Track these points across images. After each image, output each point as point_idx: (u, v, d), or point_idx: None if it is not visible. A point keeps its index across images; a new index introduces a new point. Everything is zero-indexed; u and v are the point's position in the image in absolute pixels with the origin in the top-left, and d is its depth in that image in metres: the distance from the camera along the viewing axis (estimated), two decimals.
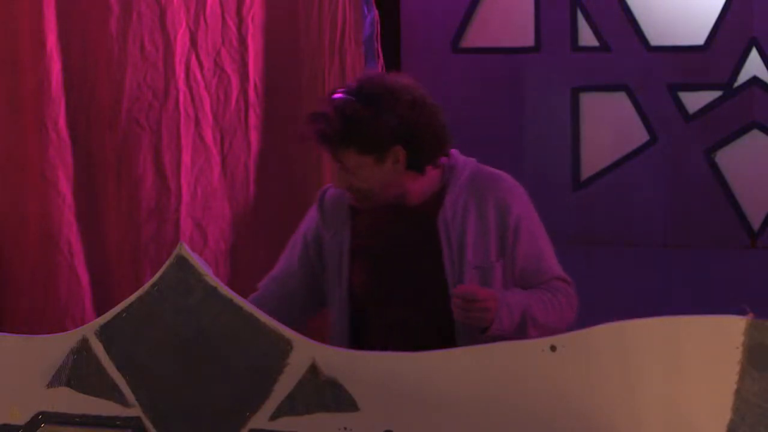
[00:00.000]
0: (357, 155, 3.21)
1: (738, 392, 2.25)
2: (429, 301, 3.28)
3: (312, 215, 3.46)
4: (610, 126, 4.85)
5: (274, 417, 2.51)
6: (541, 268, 3.31)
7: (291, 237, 3.53)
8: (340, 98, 3.22)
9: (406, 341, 3.11)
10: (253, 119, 4.35)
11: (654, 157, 4.79)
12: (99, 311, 4.12)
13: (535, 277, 3.29)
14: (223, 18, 4.32)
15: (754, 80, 4.68)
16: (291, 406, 2.51)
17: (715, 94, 4.72)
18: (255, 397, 2.52)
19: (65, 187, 4.32)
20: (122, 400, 2.59)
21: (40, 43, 4.27)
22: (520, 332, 3.18)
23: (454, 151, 3.35)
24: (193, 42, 4.32)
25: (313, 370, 2.49)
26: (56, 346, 2.64)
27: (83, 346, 2.61)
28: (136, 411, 2.59)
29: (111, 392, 2.60)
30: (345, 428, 2.49)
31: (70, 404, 2.62)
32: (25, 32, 4.29)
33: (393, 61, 4.63)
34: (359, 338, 3.30)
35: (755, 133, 4.70)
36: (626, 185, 4.81)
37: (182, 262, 2.56)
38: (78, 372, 2.61)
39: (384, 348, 2.71)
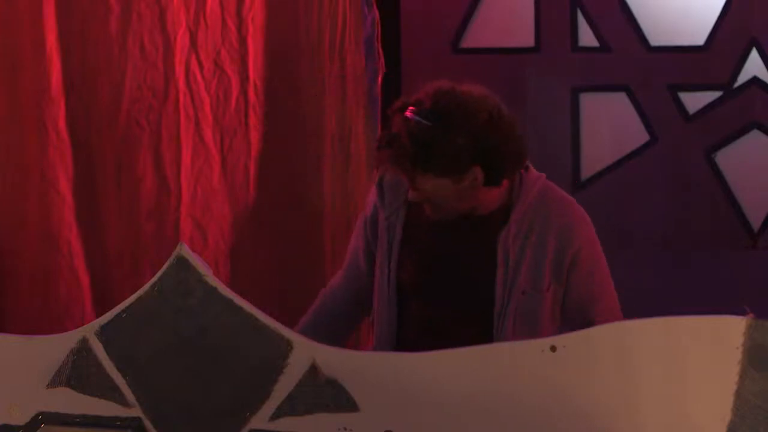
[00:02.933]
0: (434, 178, 3.10)
1: (738, 392, 2.25)
2: (472, 312, 3.21)
3: (370, 199, 3.36)
4: (610, 126, 4.85)
5: (274, 417, 2.51)
6: (595, 301, 3.22)
7: (354, 228, 3.48)
8: (413, 120, 3.06)
9: (441, 342, 3.10)
10: (253, 119, 4.35)
11: (654, 157, 4.78)
12: (99, 311, 4.13)
13: (588, 311, 3.20)
14: (223, 18, 4.32)
15: (754, 80, 4.68)
16: (291, 406, 2.51)
17: (715, 94, 4.72)
18: (255, 397, 2.52)
19: (65, 187, 4.32)
20: (122, 401, 2.59)
21: (40, 43, 4.28)
22: None
23: (528, 168, 3.25)
24: (193, 42, 4.32)
25: (313, 370, 2.49)
26: (56, 346, 2.64)
27: (83, 346, 2.61)
28: (136, 411, 2.59)
29: (111, 392, 2.60)
30: (345, 428, 2.49)
31: (70, 404, 2.62)
32: (25, 32, 4.29)
33: (393, 61, 4.62)
34: (399, 330, 3.26)
35: (755, 133, 4.70)
36: (626, 185, 4.81)
37: (182, 262, 2.56)
38: (78, 372, 2.61)
39: (419, 344, 2.66)
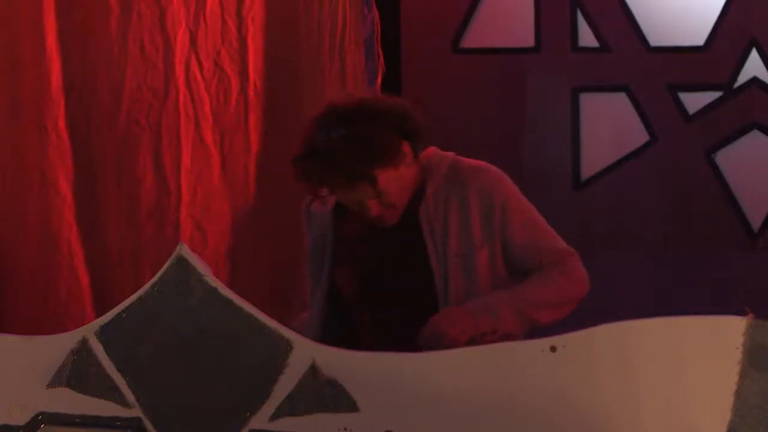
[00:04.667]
0: (388, 171, 3.22)
1: (738, 392, 2.25)
2: (417, 297, 3.30)
3: (303, 228, 3.50)
4: (610, 126, 4.86)
5: (274, 417, 2.51)
6: (540, 242, 3.33)
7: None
8: (336, 131, 3.20)
9: (396, 338, 3.12)
10: (253, 119, 4.35)
11: (654, 157, 4.79)
12: (99, 311, 4.13)
13: (535, 253, 3.31)
14: (223, 18, 4.33)
15: (754, 80, 4.68)
16: (291, 407, 2.50)
17: (715, 95, 4.72)
18: (255, 398, 2.52)
19: (65, 187, 4.32)
20: (122, 401, 2.59)
21: (40, 43, 4.28)
22: (522, 322, 3.23)
23: (432, 148, 3.36)
24: (193, 42, 4.32)
25: (313, 370, 2.49)
26: (56, 346, 2.64)
27: (83, 346, 2.60)
28: (136, 411, 2.59)
29: (111, 392, 2.59)
30: (345, 428, 2.49)
31: (70, 404, 2.62)
32: (25, 32, 4.29)
33: (393, 61, 4.62)
34: (349, 339, 3.31)
35: (755, 134, 4.70)
36: (626, 185, 4.82)
37: (182, 262, 2.56)
38: (78, 372, 2.61)
39: (373, 346, 2.71)
